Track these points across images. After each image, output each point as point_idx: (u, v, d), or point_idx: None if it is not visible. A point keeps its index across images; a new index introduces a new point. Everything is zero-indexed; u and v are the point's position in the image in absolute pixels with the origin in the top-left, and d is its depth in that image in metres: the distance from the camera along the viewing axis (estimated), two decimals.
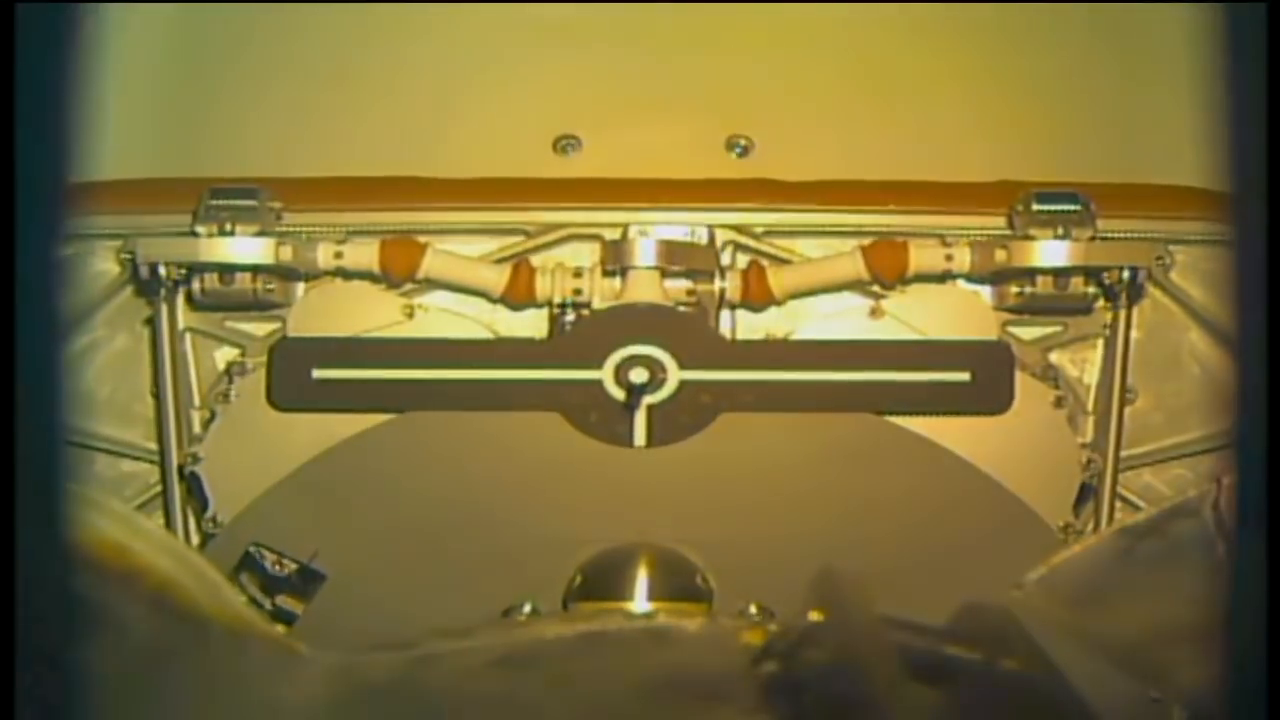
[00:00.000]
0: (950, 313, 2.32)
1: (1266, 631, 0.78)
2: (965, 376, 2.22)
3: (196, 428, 2.31)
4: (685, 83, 2.33)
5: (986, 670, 1.22)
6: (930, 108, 2.33)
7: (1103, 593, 1.63)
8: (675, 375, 2.22)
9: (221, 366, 2.35)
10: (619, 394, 2.23)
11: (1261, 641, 0.78)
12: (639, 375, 2.23)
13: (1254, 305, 0.79)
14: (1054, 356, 2.37)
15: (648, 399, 2.22)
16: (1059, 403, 2.30)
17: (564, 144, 2.34)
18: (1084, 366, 2.35)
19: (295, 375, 2.26)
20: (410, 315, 2.30)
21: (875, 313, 2.29)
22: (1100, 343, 2.35)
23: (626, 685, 1.28)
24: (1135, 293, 2.25)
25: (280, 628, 1.58)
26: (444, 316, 2.35)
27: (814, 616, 1.26)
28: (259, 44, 2.32)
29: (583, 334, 2.28)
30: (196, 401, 2.34)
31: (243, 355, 2.37)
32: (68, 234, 0.84)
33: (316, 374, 2.23)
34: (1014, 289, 2.28)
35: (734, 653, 1.31)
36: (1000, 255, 2.25)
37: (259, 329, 2.36)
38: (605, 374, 2.21)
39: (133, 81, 2.14)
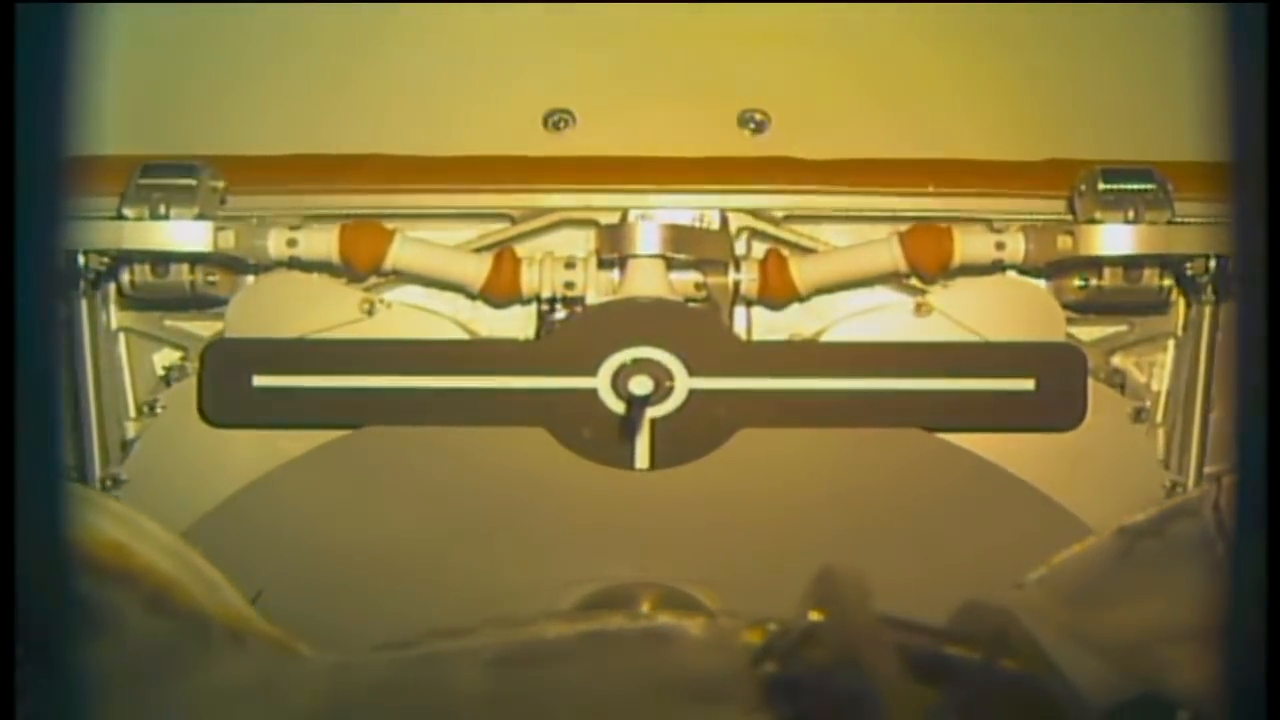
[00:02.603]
0: (1006, 309, 2.23)
1: (1266, 631, 0.88)
2: (1029, 385, 2.14)
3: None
4: (691, 50, 2.30)
5: (986, 670, 1.31)
6: (969, 78, 2.32)
7: (1103, 593, 1.71)
8: (684, 384, 2.14)
9: (161, 373, 2.30)
10: (617, 406, 2.13)
11: (1261, 641, 0.88)
12: (641, 384, 2.12)
13: (1253, 306, 0.91)
14: (1116, 360, 2.32)
15: (651, 412, 2.13)
16: (1138, 415, 2.22)
17: (555, 119, 2.31)
18: (1151, 371, 2.32)
19: (232, 383, 2.15)
20: (370, 312, 2.23)
21: (921, 309, 2.23)
22: (1171, 344, 2.32)
23: (626, 685, 1.40)
24: (1223, 286, 2.17)
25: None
26: (410, 314, 2.27)
27: (814, 616, 1.37)
28: (203, 6, 2.27)
29: (575, 334, 2.19)
30: (131, 412, 2.27)
31: (184, 359, 2.28)
32: (66, 221, 1.02)
33: (258, 381, 2.14)
34: (1076, 282, 2.22)
35: (734, 653, 1.42)
36: (1064, 242, 2.18)
37: (206, 328, 2.28)
38: (601, 382, 2.14)
39: None
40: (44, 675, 0.92)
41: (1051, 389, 2.15)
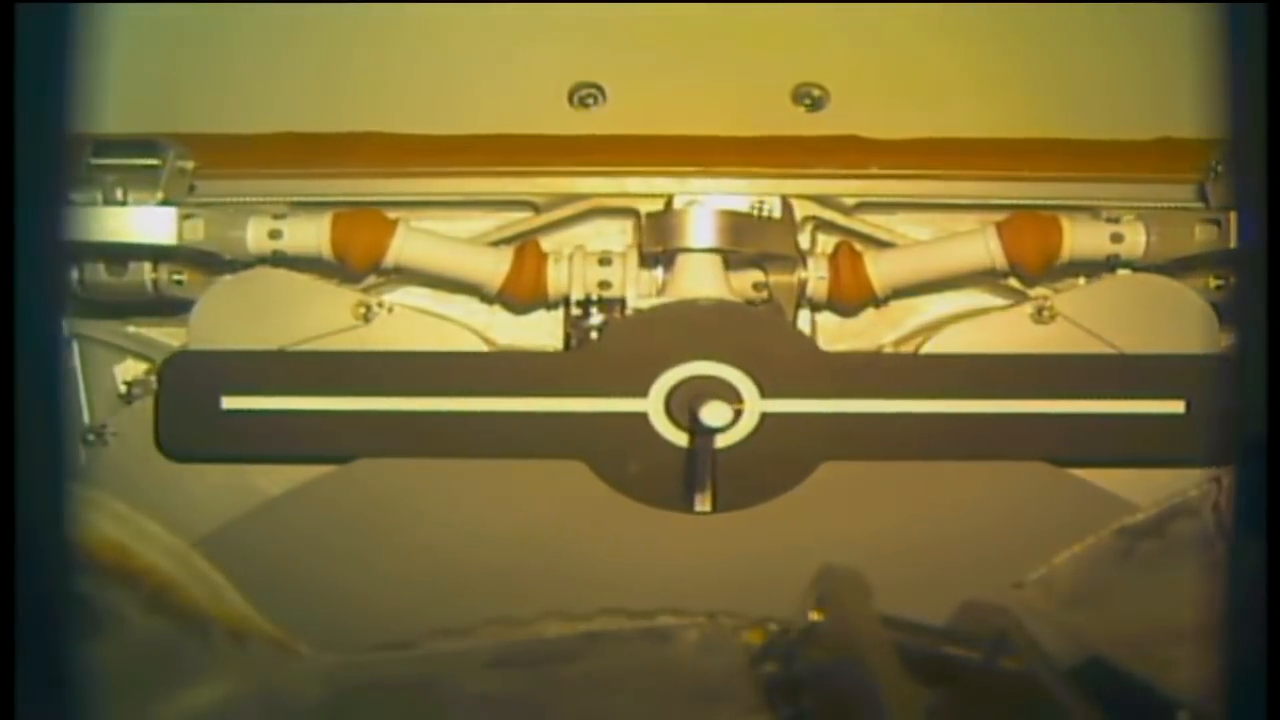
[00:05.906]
0: (1151, 314, 2.26)
1: (1266, 631, 1.02)
2: (1177, 408, 2.14)
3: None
4: (738, 15, 2.35)
5: (986, 670, 1.55)
6: (1063, 44, 2.41)
7: (1103, 593, 1.90)
8: (755, 406, 2.12)
9: (122, 389, 2.27)
10: (674, 435, 2.11)
11: (1261, 641, 1.02)
12: (713, 412, 2.05)
13: (1253, 307, 1.05)
14: None
15: (716, 441, 2.04)
16: None
17: (582, 94, 2.38)
18: None
19: (195, 406, 2.10)
20: (366, 318, 2.23)
21: (1043, 314, 2.27)
22: None
23: (626, 685, 1.61)
24: None
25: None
26: (416, 319, 2.26)
27: (814, 616, 1.58)
28: None
29: (621, 345, 2.15)
30: (90, 436, 2.20)
31: (150, 373, 2.26)
32: (68, 211, 1.20)
33: (227, 403, 2.12)
34: (1213, 282, 2.22)
35: (734, 653, 1.64)
36: (1204, 233, 2.17)
37: (178, 337, 2.29)
38: (652, 404, 2.13)
39: None
40: (44, 675, 1.06)
41: (1206, 413, 2.09)
